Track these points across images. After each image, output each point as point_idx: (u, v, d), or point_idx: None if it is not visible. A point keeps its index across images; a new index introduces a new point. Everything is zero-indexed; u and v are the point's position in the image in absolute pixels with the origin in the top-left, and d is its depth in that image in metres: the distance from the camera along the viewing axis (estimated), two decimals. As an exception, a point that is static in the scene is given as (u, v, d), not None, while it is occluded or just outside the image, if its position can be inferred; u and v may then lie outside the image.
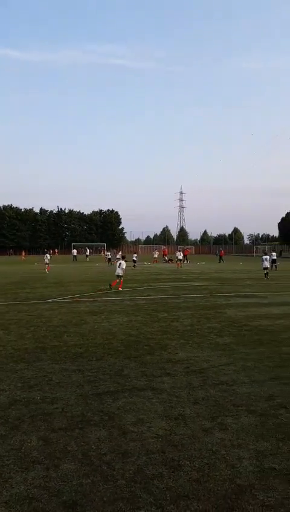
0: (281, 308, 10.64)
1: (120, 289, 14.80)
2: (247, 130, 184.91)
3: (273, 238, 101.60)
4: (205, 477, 2.90)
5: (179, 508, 2.57)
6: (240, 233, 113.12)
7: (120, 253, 32.55)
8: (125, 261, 16.90)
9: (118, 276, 15.28)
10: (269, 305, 11.33)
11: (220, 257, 43.35)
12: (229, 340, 7.04)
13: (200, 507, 2.57)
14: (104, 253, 51.90)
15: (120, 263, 15.72)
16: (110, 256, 36.91)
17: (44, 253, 28.34)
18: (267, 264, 22.04)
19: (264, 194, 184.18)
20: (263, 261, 22.13)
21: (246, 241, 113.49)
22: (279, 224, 76.55)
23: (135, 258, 30.22)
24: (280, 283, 18.59)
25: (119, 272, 15.34)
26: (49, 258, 26.83)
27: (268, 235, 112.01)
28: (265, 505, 2.59)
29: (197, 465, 3.05)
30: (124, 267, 15.73)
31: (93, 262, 39.33)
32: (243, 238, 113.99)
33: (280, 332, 7.65)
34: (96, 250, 62.39)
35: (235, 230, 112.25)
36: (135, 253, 33.29)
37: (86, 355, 6.02)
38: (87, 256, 47.75)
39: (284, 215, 76.27)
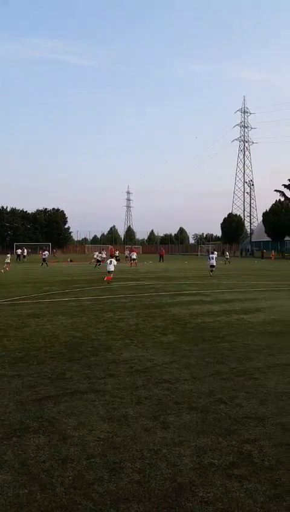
0: (222, 306, 10.99)
1: (107, 280, 17.59)
2: (192, 132, 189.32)
3: (216, 238, 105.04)
4: (146, 477, 2.89)
5: (119, 511, 2.53)
6: (186, 233, 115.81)
7: (104, 251, 33.11)
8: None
9: (110, 271, 18.35)
10: (211, 302, 11.65)
11: (161, 256, 44.08)
12: (173, 338, 7.14)
13: (141, 508, 2.56)
14: (50, 253, 50.35)
15: (111, 261, 19.21)
16: (104, 257, 33.72)
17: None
18: (213, 262, 22.76)
19: (208, 195, 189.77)
20: (209, 259, 22.97)
21: (191, 241, 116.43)
22: (221, 224, 79.19)
23: (97, 257, 30.89)
24: (222, 281, 19.22)
25: (110, 268, 18.49)
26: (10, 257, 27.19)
27: (212, 234, 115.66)
28: (204, 501, 2.63)
29: (138, 466, 3.03)
30: (115, 263, 19.51)
31: (36, 262, 38.21)
32: (188, 237, 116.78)
33: (221, 329, 7.89)
34: (36, 250, 60.31)
35: (181, 230, 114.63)
36: (100, 252, 33.86)
37: (27, 360, 5.81)
38: (24, 256, 45.71)
39: (226, 216, 79.01)
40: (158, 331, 7.66)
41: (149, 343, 6.73)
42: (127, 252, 47.49)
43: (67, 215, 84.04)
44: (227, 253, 45.10)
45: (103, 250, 44.50)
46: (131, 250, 44.63)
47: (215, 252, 28.76)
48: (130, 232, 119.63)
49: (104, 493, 2.70)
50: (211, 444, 3.35)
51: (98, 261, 32.75)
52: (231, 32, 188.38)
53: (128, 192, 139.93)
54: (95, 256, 38.93)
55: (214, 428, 3.64)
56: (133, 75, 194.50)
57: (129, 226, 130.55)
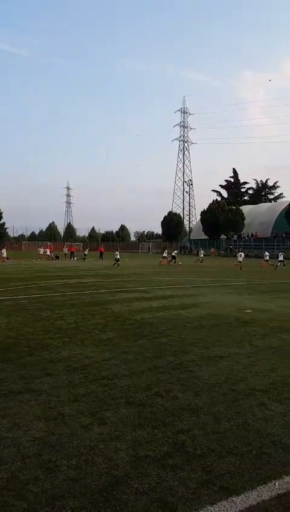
0: (161, 302, 11.24)
1: None
2: (133, 130, 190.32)
3: (157, 236, 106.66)
4: (82, 473, 2.90)
5: (54, 509, 2.52)
6: (127, 230, 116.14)
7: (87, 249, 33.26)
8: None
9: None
10: (150, 299, 11.86)
11: (101, 253, 43.98)
12: (113, 335, 7.18)
13: (76, 504, 2.57)
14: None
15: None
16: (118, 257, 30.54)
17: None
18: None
19: (149, 193, 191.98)
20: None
21: (133, 238, 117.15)
22: (162, 222, 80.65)
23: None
24: (162, 278, 19.61)
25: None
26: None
27: (153, 232, 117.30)
28: (139, 492, 2.70)
29: (74, 463, 3.03)
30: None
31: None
32: (129, 235, 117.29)
33: (159, 324, 8.07)
34: None
35: (122, 228, 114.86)
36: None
37: None
38: None
39: (166, 214, 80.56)
40: (98, 329, 7.66)
41: (88, 341, 6.71)
42: (66, 249, 46.62)
43: (2, 211, 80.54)
44: (202, 252, 44.73)
45: (42, 247, 43.41)
46: (70, 248, 44.09)
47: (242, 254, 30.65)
48: (70, 228, 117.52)
49: (39, 492, 2.67)
50: (147, 436, 3.44)
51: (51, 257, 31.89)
52: (173, 31, 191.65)
53: (68, 188, 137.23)
54: (41, 252, 38.04)
55: (150, 421, 3.73)
56: (74, 69, 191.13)
57: (69, 222, 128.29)
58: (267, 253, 31.15)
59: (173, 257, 35.80)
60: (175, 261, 34.89)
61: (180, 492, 2.70)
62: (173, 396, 4.34)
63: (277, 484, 2.80)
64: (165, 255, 36.15)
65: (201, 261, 38.69)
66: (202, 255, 42.58)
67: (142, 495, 2.67)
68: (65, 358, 5.71)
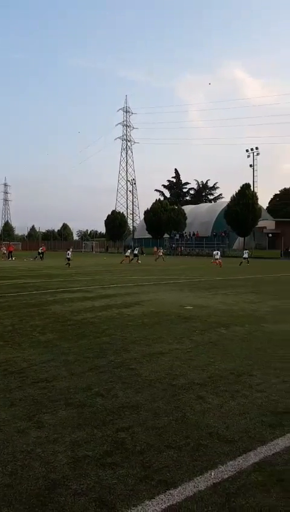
0: (103, 301, 11.18)
1: None
2: (76, 127, 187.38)
3: (100, 235, 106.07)
4: (18, 479, 2.80)
5: (-14, 520, 2.41)
6: (69, 229, 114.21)
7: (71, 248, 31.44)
8: None
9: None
10: (93, 298, 11.76)
11: (42, 253, 42.80)
12: (52, 336, 7.01)
13: (11, 511, 2.47)
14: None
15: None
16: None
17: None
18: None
19: (92, 192, 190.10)
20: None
21: (76, 237, 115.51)
22: (105, 221, 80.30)
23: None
24: (105, 277, 19.53)
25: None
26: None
27: (96, 231, 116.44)
28: (77, 493, 2.66)
29: (9, 469, 2.91)
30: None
31: None
32: (72, 234, 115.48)
33: (101, 324, 8.03)
34: None
35: (65, 226, 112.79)
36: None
37: None
38: None
39: (110, 213, 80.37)
40: (36, 331, 7.44)
41: (26, 344, 6.49)
42: (4, 249, 44.76)
43: None
44: (161, 250, 44.24)
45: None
46: (8, 247, 42.51)
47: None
48: (7, 227, 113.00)
49: None
50: (86, 437, 3.40)
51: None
52: (117, 30, 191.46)
53: (5, 185, 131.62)
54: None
55: (90, 421, 3.70)
56: (16, 63, 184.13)
57: (7, 220, 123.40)
58: (217, 252, 32.25)
59: (135, 255, 36.50)
60: (137, 259, 35.58)
61: (118, 490, 2.70)
62: (114, 395, 4.33)
63: (212, 474, 2.89)
64: (127, 254, 36.71)
65: (163, 259, 38.76)
66: (161, 253, 42.70)
67: (80, 496, 2.63)
68: (1, 362, 5.48)
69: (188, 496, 2.65)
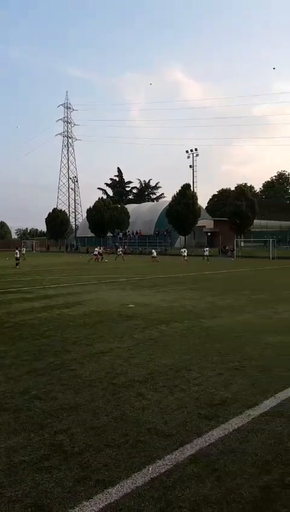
0: (44, 302, 10.92)
1: None
2: (14, 121, 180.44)
3: (41, 233, 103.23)
4: None
5: None
6: (7, 227, 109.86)
7: None
8: None
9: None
10: (32, 299, 11.43)
11: None
12: (-12, 339, 6.72)
13: None
14: None
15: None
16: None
17: None
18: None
19: (32, 189, 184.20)
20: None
21: (14, 236, 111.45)
22: (46, 219, 78.26)
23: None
24: (45, 277, 19.06)
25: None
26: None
27: (36, 229, 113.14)
28: (11, 500, 2.58)
29: None
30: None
31: None
32: (10, 232, 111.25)
33: (41, 325, 7.84)
34: None
35: (2, 225, 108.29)
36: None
37: None
38: None
39: (51, 211, 78.47)
40: (-29, 334, 7.09)
41: None
42: None
43: None
44: (121, 249, 42.58)
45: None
46: None
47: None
48: None
49: None
50: (23, 442, 3.31)
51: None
52: (62, 25, 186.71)
53: None
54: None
55: (26, 425, 3.60)
56: None
57: None
58: (184, 250, 33.74)
59: (100, 254, 36.69)
60: (102, 258, 35.89)
61: (56, 493, 2.66)
62: (52, 397, 4.25)
63: (150, 469, 2.94)
64: (96, 252, 36.62)
65: (122, 258, 38.14)
66: (121, 252, 41.80)
67: (14, 503, 2.56)
68: None
69: (126, 492, 2.67)
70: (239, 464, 3.00)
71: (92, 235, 68.99)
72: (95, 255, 36.33)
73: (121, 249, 43.91)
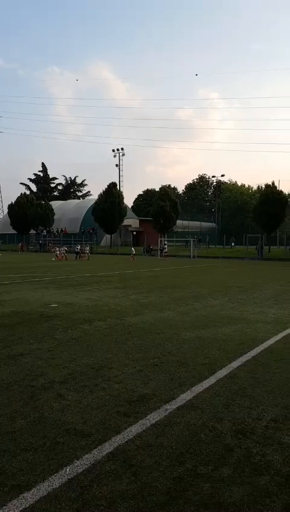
0: None
1: None
2: None
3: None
4: None
5: None
6: None
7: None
8: None
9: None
10: None
11: None
12: None
13: None
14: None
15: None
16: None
17: None
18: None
19: None
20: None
21: None
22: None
23: None
24: (3, 275, 17.89)
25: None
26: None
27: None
28: None
29: None
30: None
31: None
32: None
33: None
34: None
35: None
36: None
37: None
38: None
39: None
40: None
41: None
42: None
43: None
44: (60, 249, 39.38)
45: None
46: None
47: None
48: None
49: None
50: None
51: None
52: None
53: None
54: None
55: None
56: None
57: None
58: (132, 249, 37.03)
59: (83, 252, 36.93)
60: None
61: None
62: None
63: (67, 470, 2.93)
64: (60, 251, 36.35)
65: (88, 258, 36.27)
66: (78, 250, 39.46)
67: None
68: None
69: (42, 496, 2.63)
70: (155, 458, 3.11)
71: (13, 232, 66.12)
72: (62, 254, 35.94)
73: (87, 248, 40.96)
